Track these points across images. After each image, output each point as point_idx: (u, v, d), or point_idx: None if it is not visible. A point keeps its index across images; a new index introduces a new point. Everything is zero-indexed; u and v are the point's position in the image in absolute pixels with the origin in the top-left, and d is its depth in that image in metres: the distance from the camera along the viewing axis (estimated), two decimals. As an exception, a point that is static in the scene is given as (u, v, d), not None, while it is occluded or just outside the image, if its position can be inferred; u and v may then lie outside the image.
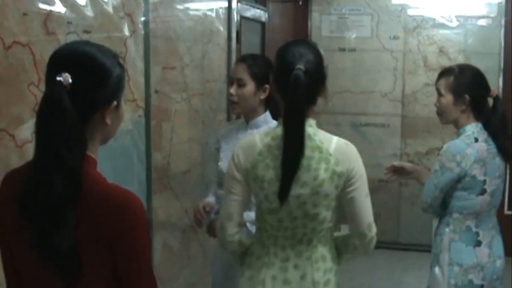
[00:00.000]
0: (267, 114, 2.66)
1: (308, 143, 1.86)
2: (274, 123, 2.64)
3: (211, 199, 2.74)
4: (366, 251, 1.99)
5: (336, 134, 1.96)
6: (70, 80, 1.28)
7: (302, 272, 1.92)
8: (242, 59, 2.68)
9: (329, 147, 1.89)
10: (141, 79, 2.71)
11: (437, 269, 2.55)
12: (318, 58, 1.90)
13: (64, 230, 1.24)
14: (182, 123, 3.19)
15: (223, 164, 2.69)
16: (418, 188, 2.77)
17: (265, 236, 1.96)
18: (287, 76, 1.83)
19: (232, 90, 2.59)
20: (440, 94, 2.62)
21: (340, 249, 2.03)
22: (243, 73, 2.58)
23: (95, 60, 1.34)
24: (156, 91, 2.86)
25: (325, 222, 1.92)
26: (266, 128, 2.55)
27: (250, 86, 2.57)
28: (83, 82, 1.30)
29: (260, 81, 2.59)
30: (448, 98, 2.58)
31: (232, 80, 2.63)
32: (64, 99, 1.26)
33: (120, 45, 2.47)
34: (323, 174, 1.86)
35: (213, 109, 3.58)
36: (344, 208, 1.95)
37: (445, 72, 2.65)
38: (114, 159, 2.52)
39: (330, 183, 1.87)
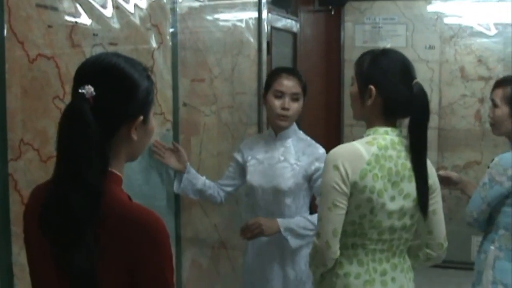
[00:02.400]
0: (295, 125, 2.73)
1: None
2: (301, 133, 2.75)
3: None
4: (439, 261, 2.12)
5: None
6: (93, 93, 1.26)
7: (399, 284, 1.99)
8: (291, 72, 2.72)
9: None
10: (169, 92, 2.70)
11: (479, 289, 2.51)
12: None
13: (84, 249, 1.23)
14: (211, 137, 3.18)
15: (253, 178, 2.76)
16: (455, 203, 2.73)
17: (363, 253, 1.97)
18: (408, 86, 1.93)
19: (287, 104, 2.62)
20: (495, 105, 2.59)
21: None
22: (298, 88, 2.65)
23: (121, 72, 1.33)
24: (185, 104, 2.85)
25: (414, 233, 2.03)
26: (296, 138, 2.68)
27: (301, 101, 2.67)
28: (108, 95, 1.29)
29: (305, 95, 2.70)
30: (503, 109, 2.55)
31: (282, 94, 2.65)
32: (85, 112, 1.24)
33: (148, 57, 2.47)
34: None
35: (243, 122, 3.58)
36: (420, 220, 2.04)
37: (501, 83, 2.61)
38: (144, 174, 2.51)
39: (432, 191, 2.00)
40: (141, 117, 1.36)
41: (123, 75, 1.33)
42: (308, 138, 2.78)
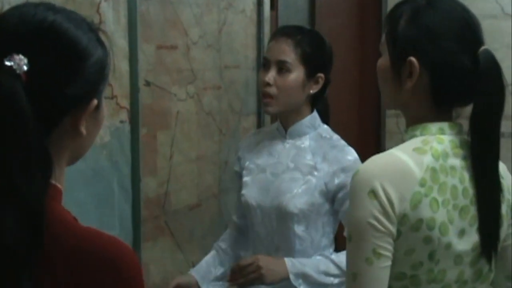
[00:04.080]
0: (315, 115, 2.75)
1: None
2: (325, 128, 2.77)
3: (199, 272, 2.85)
4: None
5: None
6: (27, 66, 1.26)
7: None
8: (285, 32, 2.75)
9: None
10: (124, 65, 2.71)
11: None
12: None
13: None
14: (187, 133, 3.20)
15: (250, 193, 2.79)
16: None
17: None
18: (470, 56, 1.87)
19: (269, 77, 2.65)
20: None
21: None
22: (288, 53, 2.66)
23: (65, 35, 1.33)
24: (148, 83, 2.87)
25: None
26: (315, 135, 2.71)
27: (298, 74, 2.66)
28: (47, 69, 1.30)
29: (312, 67, 2.69)
30: None
31: (267, 62, 2.69)
32: (19, 95, 1.24)
33: (91, 12, 2.46)
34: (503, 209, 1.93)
35: (235, 111, 3.58)
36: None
37: None
38: (82, 188, 2.51)
39: (508, 220, 1.95)
40: (95, 101, 1.38)
41: (67, 39, 1.33)
42: (335, 136, 2.79)
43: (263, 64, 2.78)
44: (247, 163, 2.83)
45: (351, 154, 2.70)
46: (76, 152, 1.43)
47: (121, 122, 2.73)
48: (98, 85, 1.39)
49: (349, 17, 5.47)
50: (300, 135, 2.73)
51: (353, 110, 5.53)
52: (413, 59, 1.89)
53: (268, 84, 2.65)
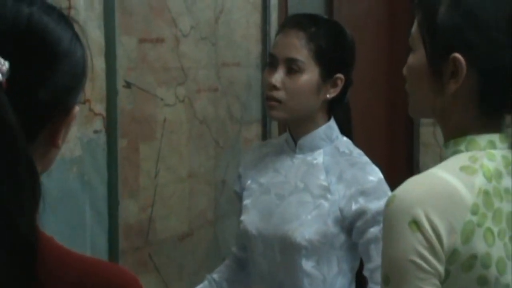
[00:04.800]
0: (331, 125, 2.75)
1: None
2: (344, 141, 2.79)
3: None
4: None
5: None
6: (8, 71, 1.28)
7: None
8: (296, 22, 2.74)
9: None
10: (99, 62, 2.74)
11: None
12: None
13: None
14: (177, 145, 3.22)
15: (250, 219, 2.79)
16: None
17: None
18: None
19: (275, 79, 2.64)
20: None
21: None
22: (300, 50, 2.66)
23: (45, 33, 1.36)
24: (128, 84, 2.90)
25: None
26: (331, 149, 2.75)
27: (312, 75, 2.66)
28: (26, 74, 1.32)
29: (329, 67, 2.68)
30: None
31: (274, 60, 2.69)
32: (3, 105, 1.26)
33: None
34: None
35: (236, 118, 3.62)
36: None
37: None
38: (47, 213, 2.45)
39: None
40: (77, 108, 1.43)
41: (48, 38, 1.36)
42: (356, 151, 2.78)
43: (269, 62, 2.77)
44: (248, 181, 2.82)
45: (374, 174, 2.68)
46: (45, 167, 1.46)
47: (96, 132, 2.74)
48: (79, 90, 1.43)
49: (376, 2, 5.52)
50: (312, 149, 2.72)
51: (380, 118, 5.58)
52: (458, 55, 1.86)
53: (274, 87, 2.63)
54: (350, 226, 2.66)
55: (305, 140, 2.71)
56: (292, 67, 2.63)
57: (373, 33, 5.41)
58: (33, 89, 1.33)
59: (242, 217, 2.77)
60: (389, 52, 5.58)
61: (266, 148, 2.89)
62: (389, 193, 2.29)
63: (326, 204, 2.67)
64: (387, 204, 1.83)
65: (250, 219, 2.76)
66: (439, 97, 1.92)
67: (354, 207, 2.64)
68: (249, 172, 2.84)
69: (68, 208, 2.61)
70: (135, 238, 2.99)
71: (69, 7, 2.52)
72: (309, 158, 2.74)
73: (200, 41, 3.29)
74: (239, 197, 2.87)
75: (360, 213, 2.62)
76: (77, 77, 1.41)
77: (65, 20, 1.42)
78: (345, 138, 2.78)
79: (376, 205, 2.52)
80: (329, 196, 2.68)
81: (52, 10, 1.40)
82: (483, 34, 1.87)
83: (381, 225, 2.45)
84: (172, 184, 3.17)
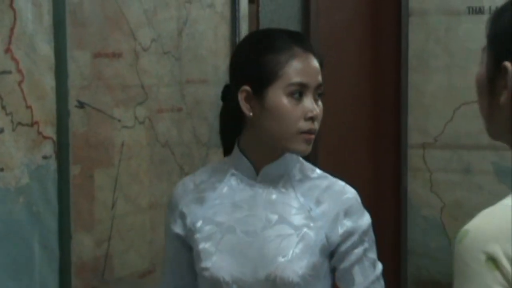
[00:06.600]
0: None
1: None
2: (305, 165, 2.80)
3: None
4: None
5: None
6: None
7: None
8: (308, 44, 2.75)
9: None
10: (48, 80, 2.71)
11: None
12: None
13: None
14: (137, 172, 3.21)
15: (218, 265, 2.70)
16: None
17: None
18: None
19: (317, 109, 2.65)
20: None
21: None
22: (320, 74, 2.71)
23: None
24: (81, 104, 2.88)
25: None
26: (298, 173, 2.76)
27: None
28: None
29: None
30: None
31: (304, 89, 2.64)
32: None
33: (1, 7, 2.48)
34: None
35: (203, 141, 3.62)
36: None
37: None
38: None
39: None
40: None
41: None
42: (320, 172, 2.79)
43: (293, 91, 2.67)
44: (199, 223, 2.72)
45: (348, 191, 2.71)
46: None
47: (45, 157, 2.71)
48: None
49: (357, 15, 5.50)
50: (278, 176, 2.69)
51: (363, 140, 5.58)
52: (507, 63, 1.86)
53: (315, 119, 2.63)
54: (333, 251, 2.66)
55: (270, 168, 2.66)
56: (319, 93, 2.66)
57: (354, 48, 5.44)
58: None
59: (207, 265, 2.66)
60: (372, 69, 5.60)
61: (203, 177, 2.81)
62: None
63: (311, 233, 2.65)
64: (459, 241, 1.83)
65: (218, 265, 2.67)
66: (495, 110, 1.93)
67: (340, 230, 2.66)
68: (197, 212, 2.74)
69: (14, 244, 2.59)
70: (89, 277, 2.95)
71: (15, 20, 2.51)
72: (274, 186, 2.69)
73: (162, 55, 3.27)
74: (181, 241, 2.77)
75: (347, 236, 2.66)
76: None
77: None
78: (306, 163, 2.79)
79: (361, 223, 2.60)
80: (311, 224, 2.65)
81: None
82: None
83: (365, 244, 2.60)
84: (131, 216, 3.15)
